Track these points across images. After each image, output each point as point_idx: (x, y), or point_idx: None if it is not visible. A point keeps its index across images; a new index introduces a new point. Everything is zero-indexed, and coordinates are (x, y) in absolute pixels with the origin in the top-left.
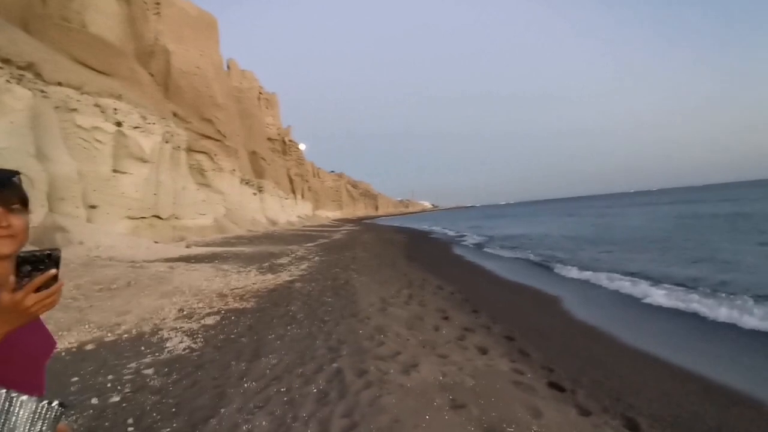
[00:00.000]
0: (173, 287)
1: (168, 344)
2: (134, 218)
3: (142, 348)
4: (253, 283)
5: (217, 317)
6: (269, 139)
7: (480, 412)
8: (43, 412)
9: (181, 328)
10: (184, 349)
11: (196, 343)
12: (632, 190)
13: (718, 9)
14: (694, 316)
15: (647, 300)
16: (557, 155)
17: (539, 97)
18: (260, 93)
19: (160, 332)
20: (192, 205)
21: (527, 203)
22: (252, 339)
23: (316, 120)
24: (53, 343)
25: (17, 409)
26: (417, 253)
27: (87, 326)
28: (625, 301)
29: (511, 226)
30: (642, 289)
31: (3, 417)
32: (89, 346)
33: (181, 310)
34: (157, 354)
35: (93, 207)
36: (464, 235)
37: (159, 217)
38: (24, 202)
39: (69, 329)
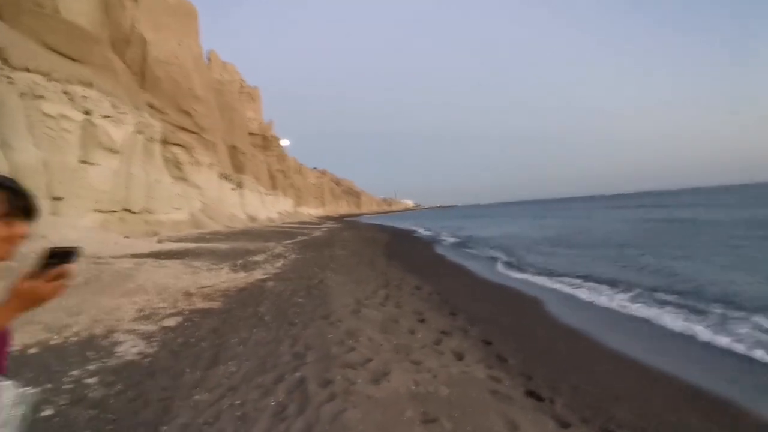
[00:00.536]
0: (136, 285)
1: (119, 349)
2: (103, 211)
3: (91, 353)
4: (223, 282)
5: (179, 318)
6: (250, 133)
7: (453, 426)
8: (25, 397)
9: (137, 330)
10: (137, 354)
11: (151, 347)
12: (610, 193)
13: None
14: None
15: (608, 305)
16: (539, 156)
17: (524, 98)
18: (242, 86)
19: (113, 335)
20: (166, 199)
21: (509, 203)
22: (213, 343)
23: (299, 116)
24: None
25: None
26: (397, 252)
27: (34, 327)
28: (597, 307)
29: (491, 227)
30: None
31: None
32: (32, 350)
33: (140, 310)
34: (104, 360)
35: (58, 199)
36: (445, 235)
37: (130, 211)
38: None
39: (14, 330)
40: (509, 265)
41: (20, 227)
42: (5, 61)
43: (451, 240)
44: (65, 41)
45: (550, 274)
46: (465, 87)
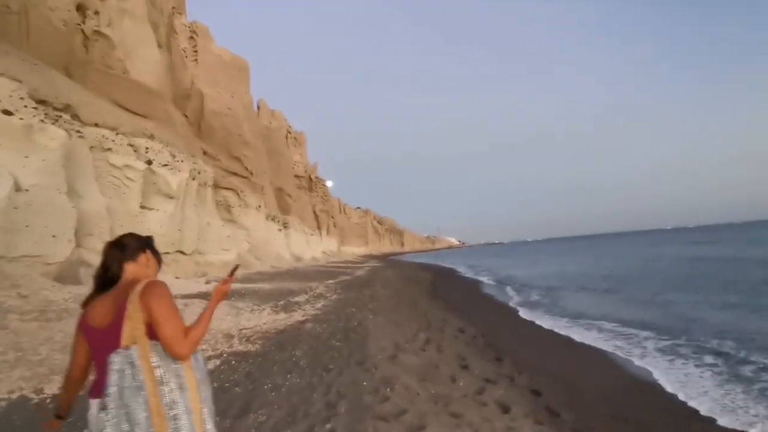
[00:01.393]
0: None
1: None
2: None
3: None
4: (264, 323)
5: (217, 362)
6: (296, 176)
7: None
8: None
9: None
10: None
11: None
12: (669, 227)
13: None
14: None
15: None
16: (585, 192)
17: (566, 134)
18: (288, 132)
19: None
20: (216, 240)
21: (557, 240)
22: (246, 389)
23: (343, 157)
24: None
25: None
26: (440, 292)
27: None
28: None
29: (538, 266)
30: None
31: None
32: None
33: None
34: None
35: None
36: (488, 274)
37: (183, 252)
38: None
39: (62, 372)
40: (557, 309)
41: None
42: (75, 117)
43: (495, 280)
44: (132, 98)
45: (600, 319)
46: (508, 119)
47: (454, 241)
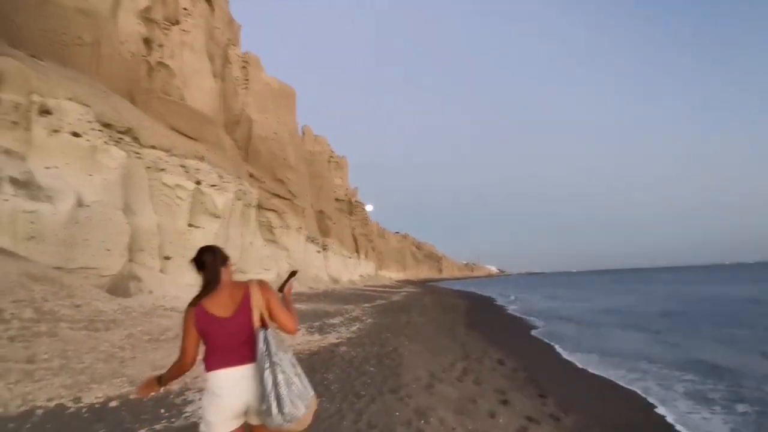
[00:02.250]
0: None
1: (188, 409)
2: None
3: (162, 410)
4: (298, 344)
5: None
6: (337, 199)
7: None
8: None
9: None
10: (200, 418)
11: None
12: (727, 262)
13: None
14: None
15: None
16: (632, 223)
17: (608, 162)
18: (331, 156)
19: (186, 392)
20: (257, 259)
21: (603, 272)
22: None
23: (383, 182)
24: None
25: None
26: (479, 321)
27: (119, 380)
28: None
29: (584, 299)
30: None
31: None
32: (113, 403)
33: None
34: (173, 420)
35: (167, 258)
36: (532, 305)
37: None
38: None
39: (102, 381)
40: (603, 348)
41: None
42: (135, 140)
43: (537, 311)
44: (186, 123)
45: (648, 361)
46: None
47: (493, 269)
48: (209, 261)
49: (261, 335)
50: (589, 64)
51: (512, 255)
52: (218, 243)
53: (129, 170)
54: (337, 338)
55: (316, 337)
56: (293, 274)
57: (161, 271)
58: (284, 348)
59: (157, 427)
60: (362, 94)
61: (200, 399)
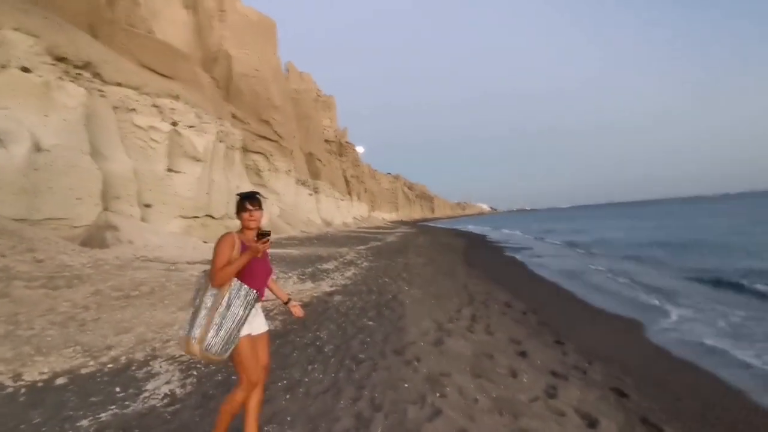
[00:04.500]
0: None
1: (149, 385)
2: (187, 217)
3: (117, 389)
4: (288, 294)
5: None
6: (326, 140)
7: None
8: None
9: (179, 357)
10: (162, 399)
11: (183, 386)
12: (712, 193)
13: None
14: None
15: None
16: (623, 155)
17: (602, 89)
18: (317, 95)
19: (151, 363)
20: None
21: (591, 207)
22: None
23: (373, 123)
24: (271, 270)
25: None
26: (477, 260)
27: (71, 349)
28: None
29: (576, 232)
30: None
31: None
32: (60, 380)
33: None
34: (127, 403)
35: (148, 206)
36: (529, 241)
37: (212, 217)
38: (260, 206)
39: (49, 352)
40: (608, 278)
41: (254, 213)
42: (97, 75)
43: (533, 247)
44: (157, 59)
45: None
46: (543, 82)
47: (485, 207)
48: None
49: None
50: None
51: (503, 193)
52: (201, 188)
53: (92, 110)
54: (330, 286)
55: (308, 285)
56: (266, 234)
57: (143, 219)
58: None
59: (103, 416)
60: (349, 30)
61: (167, 371)
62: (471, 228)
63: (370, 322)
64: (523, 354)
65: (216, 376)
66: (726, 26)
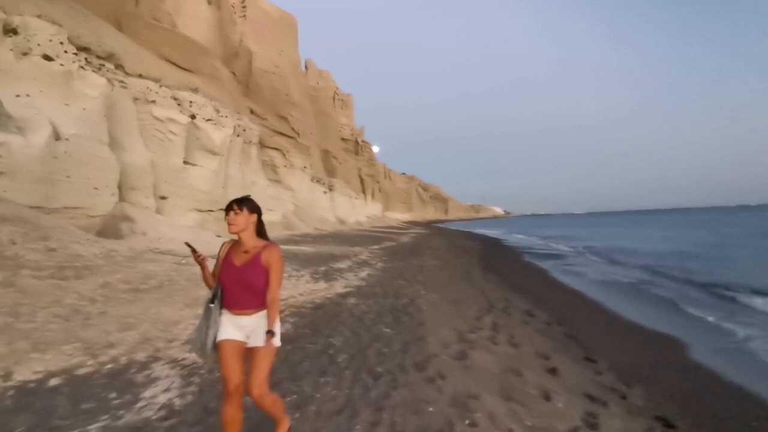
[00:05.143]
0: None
1: (146, 393)
2: (202, 211)
3: (113, 395)
4: (300, 294)
5: None
6: (342, 139)
7: None
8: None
9: (182, 360)
10: (159, 409)
11: (183, 395)
12: (734, 204)
13: None
14: None
15: None
16: (639, 167)
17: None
18: (336, 93)
19: (152, 366)
20: (261, 200)
21: (608, 214)
22: None
23: (389, 123)
24: (251, 282)
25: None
26: (493, 264)
27: (71, 346)
28: None
29: (597, 237)
30: None
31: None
32: (53, 381)
33: None
34: (121, 413)
35: (163, 198)
36: (547, 246)
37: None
38: (244, 209)
39: (47, 349)
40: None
41: (230, 216)
42: (120, 67)
43: (550, 252)
44: (179, 52)
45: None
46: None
47: (499, 210)
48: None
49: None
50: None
51: (517, 197)
52: (217, 182)
53: (113, 101)
54: (344, 287)
55: (321, 285)
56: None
57: (158, 211)
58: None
59: (93, 428)
60: (368, 30)
61: (167, 377)
62: (486, 231)
63: (387, 329)
64: (552, 371)
65: (219, 385)
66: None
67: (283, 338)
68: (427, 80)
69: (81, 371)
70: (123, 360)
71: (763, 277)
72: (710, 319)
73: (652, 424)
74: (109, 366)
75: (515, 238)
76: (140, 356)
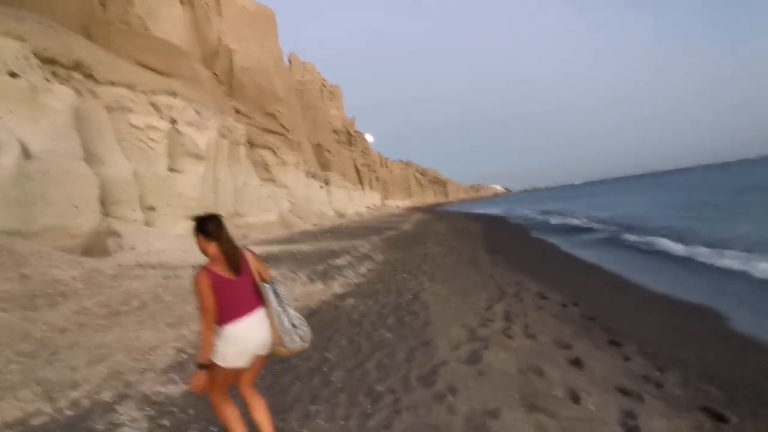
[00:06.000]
0: (194, 308)
1: None
2: None
3: None
4: (295, 300)
5: None
6: (334, 131)
7: None
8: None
9: (153, 397)
10: None
11: None
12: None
13: None
14: None
15: None
16: (632, 130)
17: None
18: (323, 85)
19: (119, 405)
20: (255, 201)
21: (607, 181)
22: None
23: (381, 110)
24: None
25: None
26: (499, 245)
27: (30, 391)
28: None
29: (602, 207)
30: None
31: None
32: None
33: (181, 351)
34: None
35: (151, 209)
36: (552, 219)
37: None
38: (205, 235)
39: (2, 396)
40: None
41: (203, 243)
42: (89, 76)
43: (554, 226)
44: (155, 57)
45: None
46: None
47: (499, 188)
48: (225, 235)
49: (268, 287)
50: None
51: (516, 172)
52: (206, 187)
53: (85, 113)
54: (342, 286)
55: (318, 287)
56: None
57: (146, 223)
58: (288, 297)
59: None
60: (352, 18)
61: (132, 420)
62: (488, 211)
63: (389, 334)
64: (576, 363)
65: (193, 424)
66: None
67: (272, 357)
68: (419, 72)
69: (36, 421)
70: (85, 403)
71: None
72: (743, 279)
73: (700, 419)
74: (68, 412)
75: (519, 215)
76: (106, 395)
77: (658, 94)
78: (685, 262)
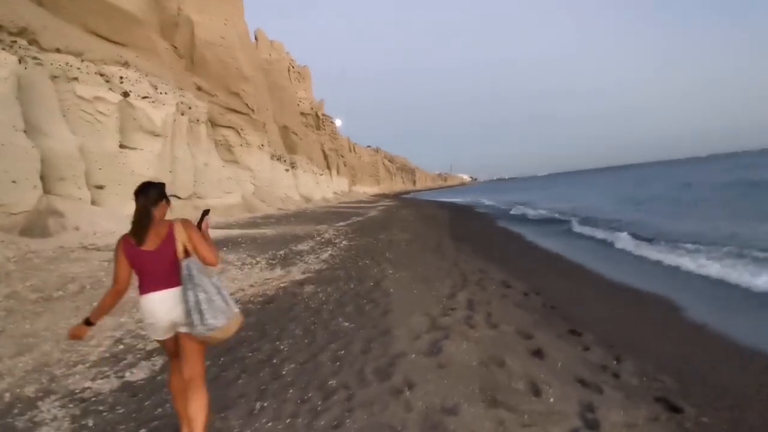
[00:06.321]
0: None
1: None
2: None
3: None
4: (251, 285)
5: (160, 361)
6: (302, 113)
7: None
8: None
9: (81, 393)
10: None
11: None
12: (705, 154)
13: None
14: None
15: None
16: (597, 125)
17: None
18: (291, 65)
19: (40, 404)
20: (216, 182)
21: (571, 173)
22: None
23: (350, 94)
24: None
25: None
26: (464, 232)
27: None
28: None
29: (563, 199)
30: None
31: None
32: None
33: (119, 341)
34: None
35: (100, 187)
36: (514, 209)
37: (177, 197)
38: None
39: None
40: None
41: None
42: (34, 42)
43: (526, 215)
44: (108, 24)
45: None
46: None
47: (466, 177)
48: (141, 203)
49: (184, 264)
50: None
51: (482, 163)
52: (162, 166)
53: (28, 81)
54: (302, 272)
55: (277, 273)
56: (206, 212)
57: (94, 202)
58: (206, 273)
59: None
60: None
61: (54, 419)
62: (455, 199)
63: (347, 323)
64: (538, 354)
65: (119, 426)
66: None
67: (220, 347)
68: (389, 53)
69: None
70: (6, 398)
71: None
72: (702, 271)
73: (655, 410)
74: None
75: (485, 204)
76: (29, 390)
77: (648, 83)
78: (642, 254)
